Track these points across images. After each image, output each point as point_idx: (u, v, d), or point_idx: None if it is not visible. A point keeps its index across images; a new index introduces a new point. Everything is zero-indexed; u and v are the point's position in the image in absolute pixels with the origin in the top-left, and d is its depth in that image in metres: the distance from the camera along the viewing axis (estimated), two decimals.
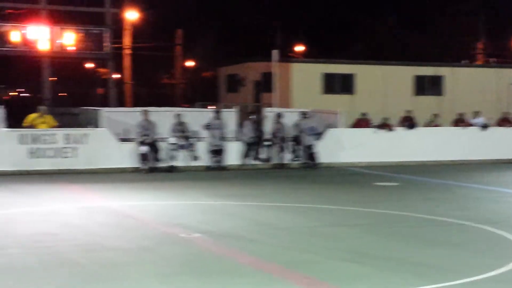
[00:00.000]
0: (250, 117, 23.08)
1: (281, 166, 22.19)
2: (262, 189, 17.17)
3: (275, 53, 30.10)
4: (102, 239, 10.32)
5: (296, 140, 22.35)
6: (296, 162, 22.34)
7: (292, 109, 26.68)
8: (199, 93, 50.98)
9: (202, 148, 21.44)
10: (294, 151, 22.41)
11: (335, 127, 23.72)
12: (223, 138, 21.60)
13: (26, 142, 20.22)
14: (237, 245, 9.96)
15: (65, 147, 20.50)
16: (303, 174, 20.81)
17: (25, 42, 30.57)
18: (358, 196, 15.79)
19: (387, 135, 23.67)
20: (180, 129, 21.22)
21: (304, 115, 22.71)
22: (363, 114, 25.53)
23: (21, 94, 66.25)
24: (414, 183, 18.73)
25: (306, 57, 50.33)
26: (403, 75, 36.10)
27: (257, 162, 22.14)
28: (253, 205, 14.06)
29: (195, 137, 21.43)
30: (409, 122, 24.65)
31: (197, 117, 22.41)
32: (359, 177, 20.10)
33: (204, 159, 21.46)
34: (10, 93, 66.46)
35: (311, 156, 22.18)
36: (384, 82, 35.59)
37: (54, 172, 19.84)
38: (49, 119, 21.46)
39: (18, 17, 33.19)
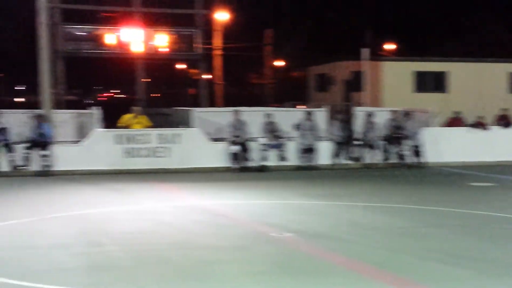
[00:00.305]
0: (337, 116, 23.00)
1: (372, 166, 21.98)
2: (352, 189, 17.07)
3: (365, 52, 29.84)
4: (196, 237, 10.50)
5: (388, 139, 22.10)
6: (387, 162, 22.12)
7: (382, 108, 26.40)
8: (288, 92, 51.07)
9: (292, 148, 21.48)
10: (385, 151, 22.16)
11: (428, 126, 23.32)
12: (314, 139, 21.58)
13: (121, 142, 20.77)
14: (328, 245, 9.94)
15: (158, 147, 20.95)
16: (395, 174, 20.53)
17: (120, 44, 31.35)
18: (452, 197, 15.49)
19: (482, 134, 23.09)
20: (271, 128, 21.35)
21: (407, 114, 22.45)
22: (456, 113, 25.00)
23: (116, 95, 68.08)
24: (511, 183, 18.20)
25: (397, 55, 49.70)
26: (498, 72, 35.17)
27: (347, 162, 22.02)
28: (343, 205, 14.00)
29: (285, 137, 21.50)
30: (504, 121, 23.98)
31: (287, 117, 22.49)
32: (453, 177, 19.69)
33: (294, 159, 21.49)
34: (106, 94, 68.43)
35: (417, 155, 21.90)
36: (478, 80, 34.76)
37: (148, 172, 20.29)
38: (143, 119, 22.02)
39: (112, 20, 34.09)
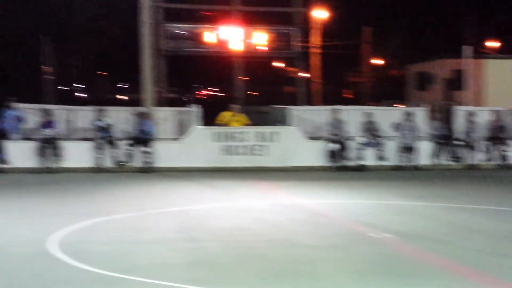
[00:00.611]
0: (438, 115, 22.58)
1: (474, 167, 21.43)
2: (453, 190, 16.67)
3: (466, 49, 29.11)
4: (293, 235, 10.51)
5: (491, 139, 21.50)
6: (490, 163, 21.54)
7: (485, 108, 25.70)
8: (386, 91, 50.43)
9: (390, 148, 21.20)
10: (488, 151, 21.56)
11: None
12: (414, 138, 21.24)
13: (219, 140, 21.04)
14: (429, 247, 9.75)
15: (256, 145, 21.10)
16: (498, 175, 19.95)
17: (219, 43, 31.71)
18: None
19: None
20: (370, 127, 21.14)
21: None
22: None
23: (214, 93, 69.02)
24: None
25: (501, 53, 48.23)
26: None
27: (448, 162, 21.55)
28: (444, 206, 13.70)
29: (384, 136, 21.24)
30: None
31: (385, 116, 22.22)
32: None
33: (392, 159, 21.20)
34: (204, 92, 69.53)
35: None
36: None
37: (245, 169, 20.46)
38: (242, 117, 22.24)
39: (212, 18, 34.54)
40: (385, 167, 20.98)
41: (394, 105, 33.49)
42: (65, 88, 55.87)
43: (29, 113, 21.44)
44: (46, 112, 20.60)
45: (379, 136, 21.13)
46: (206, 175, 19.36)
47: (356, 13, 51.25)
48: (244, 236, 10.51)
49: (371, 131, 21.14)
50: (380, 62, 57.12)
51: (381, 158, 21.06)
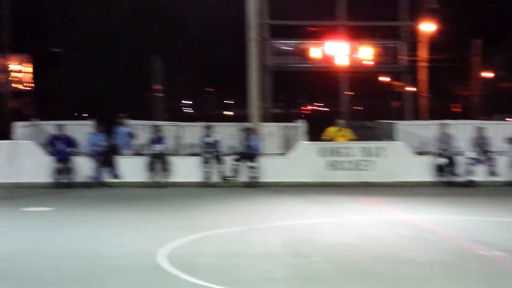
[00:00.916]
0: None
1: None
2: None
3: None
4: (401, 252, 10.36)
5: None
6: None
7: None
8: (496, 104, 48.94)
9: (502, 163, 20.53)
10: None
11: None
12: None
13: (325, 155, 20.99)
14: None
15: (362, 160, 20.92)
16: None
17: (324, 58, 31.68)
18: None
19: None
20: (481, 143, 20.55)
21: None
22: None
23: (319, 108, 69.02)
24: None
25: None
26: None
27: None
28: None
29: (496, 151, 20.58)
30: None
31: (497, 130, 21.55)
32: None
33: (504, 174, 20.51)
34: (309, 107, 69.65)
35: None
36: None
37: (351, 184, 20.31)
38: (347, 132, 22.12)
39: (317, 33, 34.57)
40: (496, 182, 20.31)
41: (506, 119, 32.46)
42: (174, 105, 57.22)
43: (140, 129, 22.12)
44: (156, 128, 21.17)
45: (490, 151, 20.50)
46: (311, 190, 19.34)
47: (465, 25, 50.08)
48: (350, 251, 10.45)
49: (482, 146, 20.54)
50: (490, 75, 55.49)
51: (492, 173, 20.41)
